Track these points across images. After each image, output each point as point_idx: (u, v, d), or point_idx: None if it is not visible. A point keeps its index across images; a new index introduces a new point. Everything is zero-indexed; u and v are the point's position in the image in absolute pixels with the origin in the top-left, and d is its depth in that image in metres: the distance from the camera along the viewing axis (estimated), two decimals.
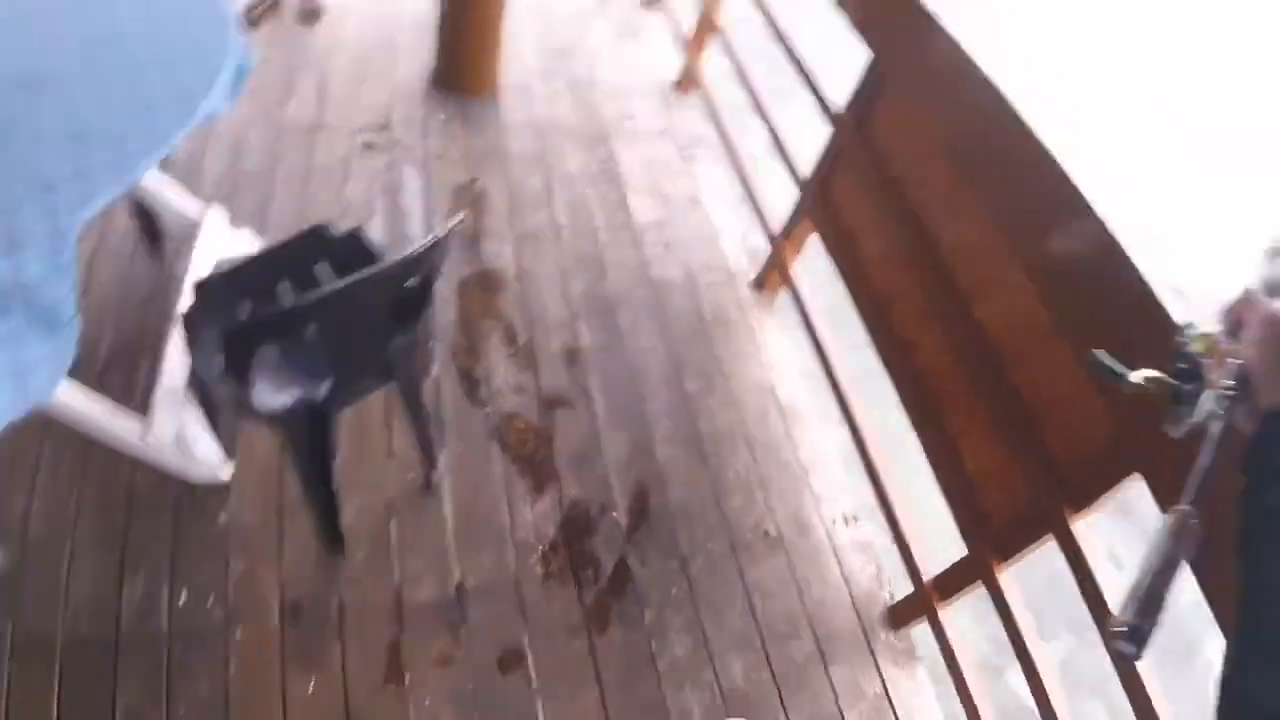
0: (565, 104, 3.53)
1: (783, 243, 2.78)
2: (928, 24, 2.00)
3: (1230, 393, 0.82)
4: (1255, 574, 0.72)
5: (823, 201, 2.58)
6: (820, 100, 2.56)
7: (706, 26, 3.50)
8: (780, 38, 2.84)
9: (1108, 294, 1.53)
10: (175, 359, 2.05)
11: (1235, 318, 0.86)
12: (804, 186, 2.65)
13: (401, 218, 2.90)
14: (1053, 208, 1.68)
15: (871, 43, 2.29)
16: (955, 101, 2.00)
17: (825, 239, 2.58)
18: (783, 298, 2.90)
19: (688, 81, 3.71)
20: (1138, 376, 0.91)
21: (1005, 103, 1.77)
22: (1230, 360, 0.83)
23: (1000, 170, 1.87)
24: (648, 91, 3.76)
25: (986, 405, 1.94)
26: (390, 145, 3.14)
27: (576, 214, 3.04)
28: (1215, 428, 0.82)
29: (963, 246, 2.04)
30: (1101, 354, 0.94)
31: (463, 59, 3.39)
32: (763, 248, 2.95)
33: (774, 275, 2.88)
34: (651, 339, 2.69)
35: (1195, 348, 0.90)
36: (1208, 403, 0.84)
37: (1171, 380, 0.90)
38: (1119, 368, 0.93)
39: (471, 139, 3.24)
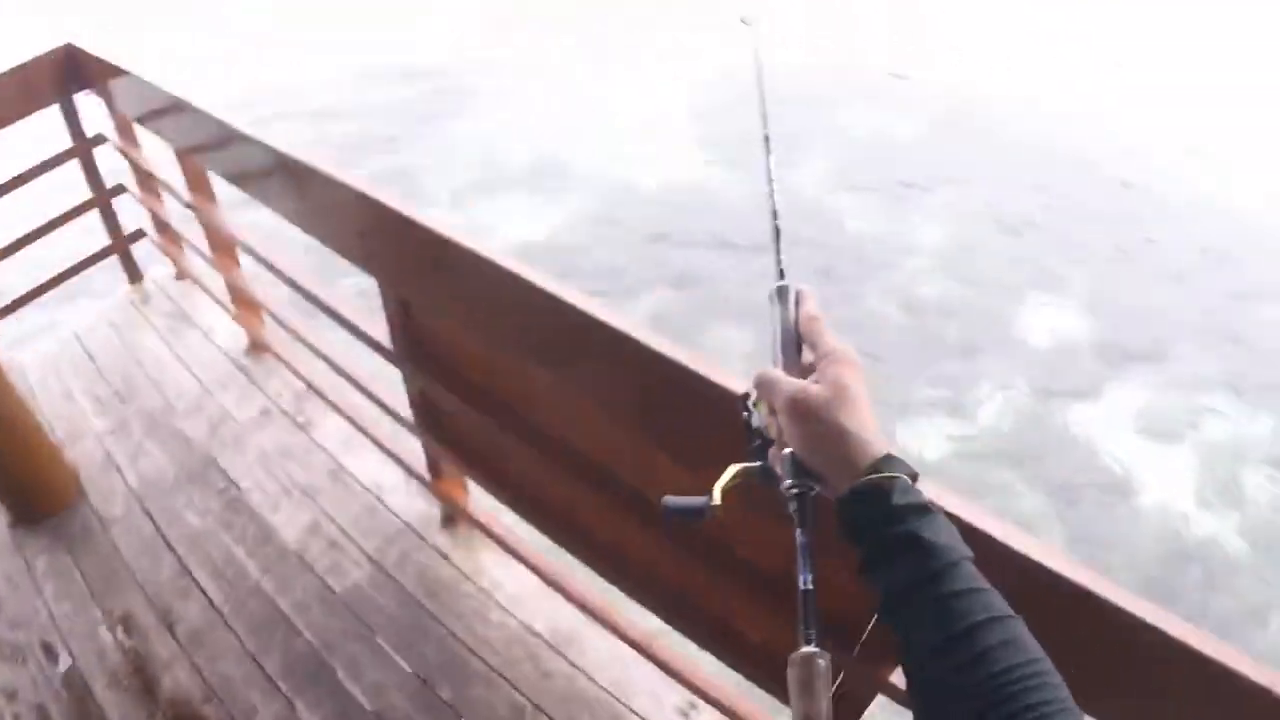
0: (153, 452, 3.09)
1: (439, 486, 2.54)
2: (424, 234, 1.75)
3: (797, 479, 0.73)
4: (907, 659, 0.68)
5: (447, 441, 2.37)
6: (372, 343, 2.32)
7: (236, 290, 3.16)
8: (301, 289, 2.55)
9: (718, 421, 1.37)
10: None
11: (765, 400, 0.78)
12: (415, 429, 2.41)
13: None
14: (617, 366, 1.54)
15: (377, 274, 2.08)
16: (484, 298, 1.78)
17: (474, 478, 2.36)
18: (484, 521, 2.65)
19: (257, 347, 3.36)
20: (715, 495, 0.78)
21: (519, 278, 1.56)
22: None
23: (557, 346, 1.69)
24: (226, 375, 3.36)
25: (728, 578, 1.77)
26: (11, 626, 2.62)
27: (227, 577, 2.66)
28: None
29: (593, 439, 1.88)
30: (668, 501, 0.81)
31: (22, 483, 2.89)
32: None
33: (457, 515, 2.64)
34: (378, 670, 2.40)
35: (760, 415, 0.81)
36: (788, 479, 0.75)
37: (751, 465, 0.80)
38: (692, 503, 0.79)
39: (82, 564, 2.76)
